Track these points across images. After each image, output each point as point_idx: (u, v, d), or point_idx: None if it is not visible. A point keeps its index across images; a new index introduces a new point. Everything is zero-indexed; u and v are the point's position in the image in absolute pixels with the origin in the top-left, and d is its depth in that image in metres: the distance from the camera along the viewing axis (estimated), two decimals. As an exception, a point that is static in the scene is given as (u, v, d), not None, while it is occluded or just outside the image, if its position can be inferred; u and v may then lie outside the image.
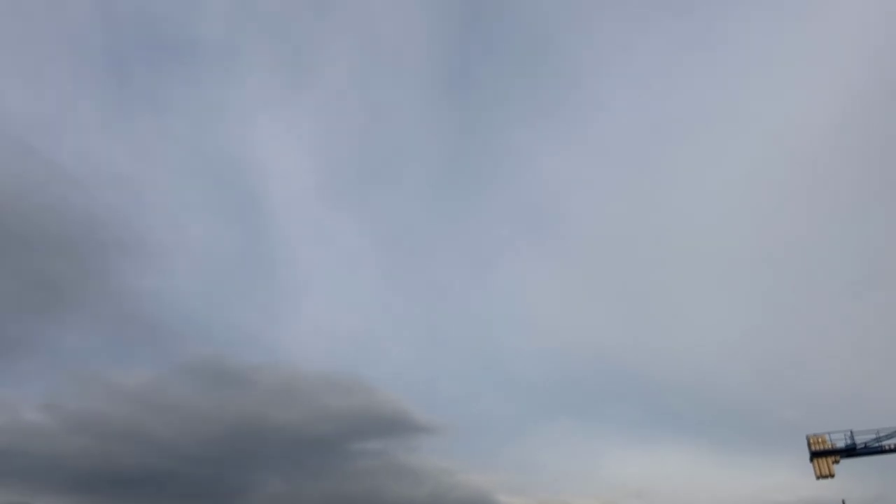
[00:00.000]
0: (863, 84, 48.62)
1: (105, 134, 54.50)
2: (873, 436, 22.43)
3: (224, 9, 59.37)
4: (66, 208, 47.26)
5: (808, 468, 22.68)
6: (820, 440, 22.74)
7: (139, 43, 57.30)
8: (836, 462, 22.55)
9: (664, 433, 46.00)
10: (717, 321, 48.05)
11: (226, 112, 60.03)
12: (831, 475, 22.46)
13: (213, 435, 43.11)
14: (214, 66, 59.81)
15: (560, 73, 57.89)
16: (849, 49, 50.01)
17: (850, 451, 22.59)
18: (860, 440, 22.51)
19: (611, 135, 57.48)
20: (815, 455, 22.59)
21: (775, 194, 52.12)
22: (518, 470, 46.94)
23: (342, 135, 58.60)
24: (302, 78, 60.51)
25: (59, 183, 48.10)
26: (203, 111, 59.38)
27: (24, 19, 54.78)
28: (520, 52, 60.28)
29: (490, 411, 48.57)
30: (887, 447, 22.45)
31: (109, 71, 56.71)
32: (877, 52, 48.44)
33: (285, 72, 60.21)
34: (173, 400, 43.97)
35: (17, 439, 39.28)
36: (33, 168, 47.95)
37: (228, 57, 59.10)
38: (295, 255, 55.23)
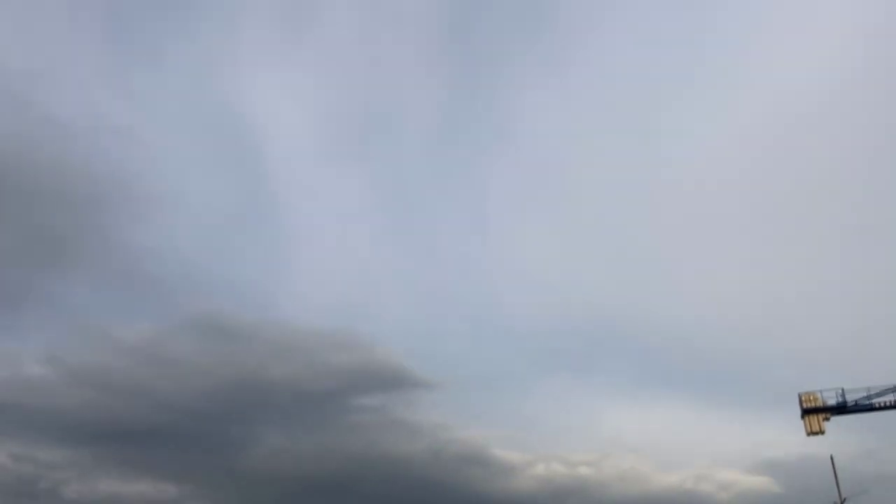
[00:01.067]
0: (867, 45, 48.12)
1: (104, 87, 54.47)
2: (864, 394, 22.84)
3: (223, -40, 58.48)
4: (65, 162, 47.21)
5: (799, 425, 23.11)
6: (812, 398, 23.08)
7: None
8: (827, 419, 22.94)
9: (659, 389, 46.90)
10: (712, 278, 48.60)
11: (224, 65, 59.77)
12: (822, 432, 22.87)
13: (213, 389, 43.81)
14: (213, 18, 59.35)
15: (561, 26, 57.16)
16: (855, 10, 49.28)
17: (841, 409, 22.97)
18: (851, 398, 22.90)
19: (612, 90, 57.64)
20: (807, 412, 22.97)
21: (773, 152, 52.05)
22: (515, 425, 48.08)
23: (342, 88, 58.33)
24: (301, 31, 60.02)
25: (58, 137, 48.04)
26: (202, 64, 59.03)
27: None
28: (522, 5, 59.47)
29: (488, 367, 49.30)
30: (878, 405, 22.90)
31: (108, 24, 56.04)
32: (886, 16, 47.62)
33: (284, 24, 59.50)
34: (174, 355, 44.71)
35: (19, 392, 39.99)
36: (32, 122, 47.92)
37: (227, 9, 58.51)
38: (294, 211, 55.54)
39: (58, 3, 55.66)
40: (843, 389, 22.90)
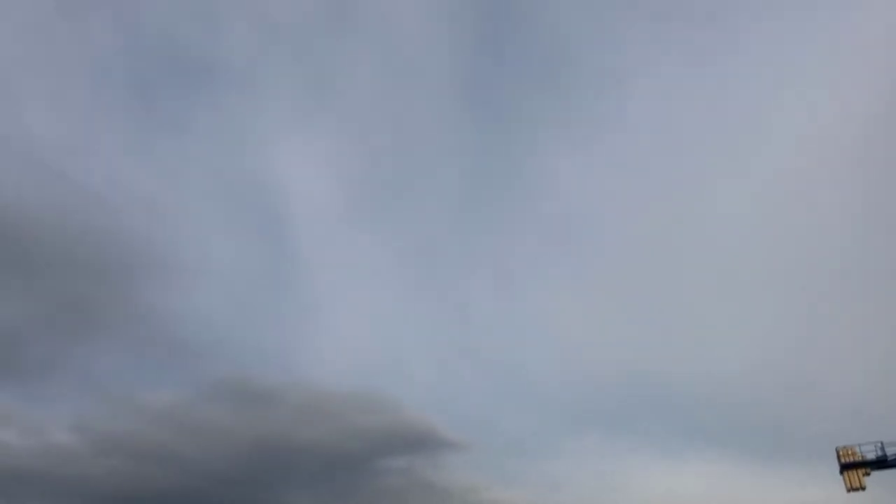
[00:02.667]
0: (892, 93, 47.76)
1: (130, 158, 55.48)
2: (905, 447, 22.03)
3: (245, 31, 60.12)
4: (94, 231, 48.14)
5: (838, 481, 22.33)
6: (850, 452, 22.30)
7: (162, 67, 58.56)
8: (867, 475, 22.10)
9: (693, 448, 45.28)
10: (746, 334, 47.37)
11: (248, 133, 60.66)
12: (862, 488, 22.04)
13: (240, 454, 43.60)
14: (236, 87, 60.68)
15: (581, 84, 57.79)
16: (877, 58, 49.23)
17: (881, 463, 22.14)
18: (891, 452, 22.07)
19: (634, 146, 57.12)
20: (845, 467, 22.18)
21: (803, 205, 51.52)
22: (545, 486, 46.20)
23: (364, 152, 58.93)
24: (323, 97, 61.10)
25: (88, 206, 49.20)
26: (226, 133, 60.19)
27: (48, 44, 55.80)
28: (541, 64, 60.36)
29: (516, 426, 48.02)
30: (919, 458, 22.02)
31: (133, 95, 57.74)
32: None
33: (306, 91, 60.86)
34: (200, 420, 44.50)
35: (47, 461, 39.72)
36: (63, 193, 48.98)
37: (250, 78, 59.94)
38: (318, 274, 55.41)
39: (85, 74, 57.36)
40: (882, 443, 22.13)
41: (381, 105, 60.02)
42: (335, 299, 54.74)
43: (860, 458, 22.05)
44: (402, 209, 58.68)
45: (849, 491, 22.10)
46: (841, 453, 22.27)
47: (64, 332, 46.29)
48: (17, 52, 54.17)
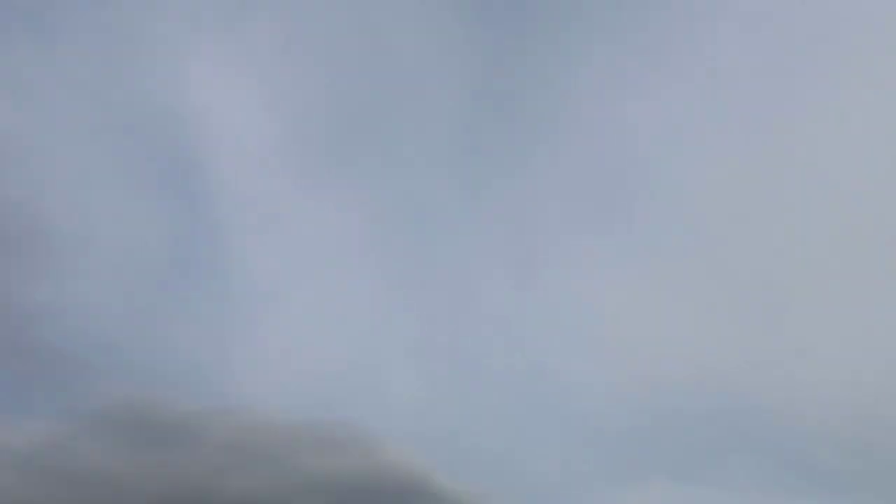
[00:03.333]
0: None
1: None
2: None
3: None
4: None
5: None
6: None
7: None
8: None
9: (810, 498, 34.47)
10: (882, 338, 35.97)
11: (145, 40, 46.71)
12: None
13: None
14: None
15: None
16: None
17: None
18: None
19: (722, 67, 44.13)
20: None
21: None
22: None
23: (319, 73, 45.19)
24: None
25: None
26: (112, 40, 46.28)
27: None
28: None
29: (545, 472, 36.75)
30: None
31: None
32: None
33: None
34: (81, 464, 34.57)
35: None
36: None
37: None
38: (253, 251, 42.30)
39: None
40: None
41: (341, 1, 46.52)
42: (278, 289, 42.01)
43: None
44: (376, 156, 44.67)
45: None
46: None
47: None
48: None
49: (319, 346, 39.25)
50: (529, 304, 41.08)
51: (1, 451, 35.68)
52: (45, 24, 41.45)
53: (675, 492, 36.07)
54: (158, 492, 35.69)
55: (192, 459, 36.52)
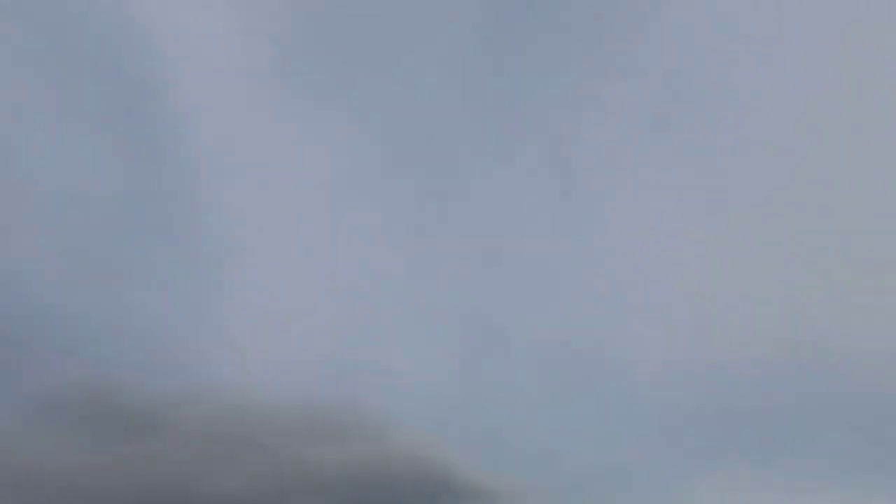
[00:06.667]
0: None
1: None
2: None
3: None
4: None
5: None
6: None
7: None
8: None
9: None
10: None
11: None
12: None
13: None
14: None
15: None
16: None
17: None
18: None
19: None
20: None
21: None
22: None
23: None
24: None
25: None
26: None
27: None
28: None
29: (592, 459, 31.37)
30: None
31: None
32: None
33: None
34: (31, 460, 29.44)
35: None
36: None
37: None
38: (226, 200, 35.67)
39: None
40: None
41: None
42: (259, 241, 35.54)
43: None
44: (370, 75, 37.77)
45: None
46: None
47: None
48: None
49: (311, 312, 33.01)
50: (567, 256, 34.39)
51: (-64, 447, 30.80)
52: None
53: (752, 476, 31.01)
54: (124, 491, 30.73)
55: (165, 453, 31.60)
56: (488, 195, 35.58)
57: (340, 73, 35.79)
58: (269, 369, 32.15)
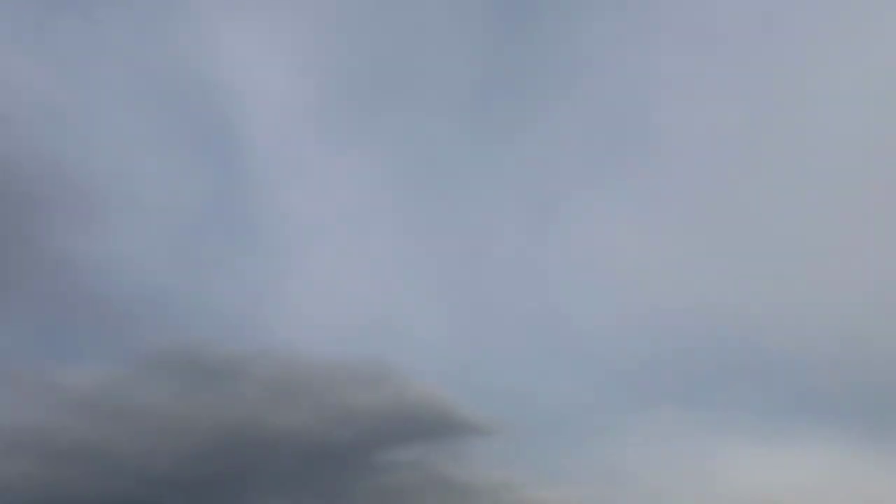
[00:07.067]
0: None
1: (19, 48, 42.92)
2: None
3: None
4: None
5: None
6: None
7: None
8: None
9: (804, 424, 36.35)
10: (880, 268, 36.76)
11: (181, 9, 47.24)
12: None
13: (192, 449, 36.06)
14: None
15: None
16: None
17: None
18: None
19: (721, 15, 43.90)
20: None
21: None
22: (601, 481, 38.07)
23: (343, 38, 45.55)
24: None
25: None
26: (151, 9, 46.81)
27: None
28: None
29: (560, 403, 37.84)
30: None
31: None
32: None
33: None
34: (137, 405, 36.35)
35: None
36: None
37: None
38: (286, 205, 42.77)
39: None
40: None
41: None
42: (312, 237, 42.29)
43: None
44: (394, 112, 45.22)
45: None
46: None
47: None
48: None
49: (349, 291, 41.01)
50: (544, 247, 42.39)
51: (64, 395, 36.68)
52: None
53: (677, 418, 37.33)
54: (209, 428, 37.41)
55: (238, 397, 37.99)
56: (482, 205, 43.90)
57: (369, 111, 44.16)
58: (319, 334, 39.73)
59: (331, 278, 41.46)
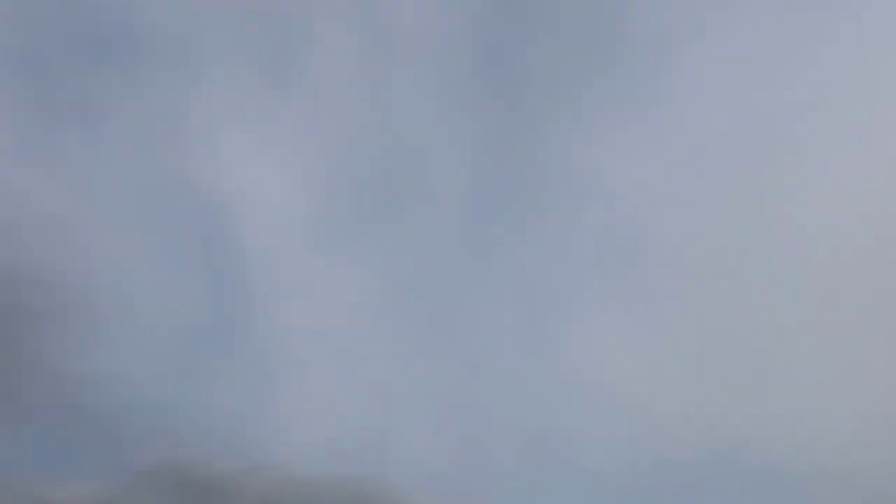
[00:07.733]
0: None
1: (23, 161, 42.66)
2: None
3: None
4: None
5: None
6: None
7: (63, 40, 44.99)
8: None
9: None
10: (882, 384, 35.78)
11: (181, 126, 46.80)
12: None
13: None
14: (165, 65, 46.69)
15: (633, 52, 44.48)
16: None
17: None
18: None
19: (706, 132, 43.92)
20: None
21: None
22: None
23: (339, 150, 45.31)
24: (284, 74, 47.36)
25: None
26: (151, 127, 46.10)
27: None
28: (577, 29, 47.00)
29: None
30: None
31: (27, 78, 44.47)
32: None
33: (261, 66, 46.82)
34: None
35: None
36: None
37: (183, 52, 46.09)
38: (282, 319, 42.33)
39: None
40: None
41: (360, 82, 46.14)
42: (306, 352, 41.58)
43: None
44: (391, 225, 45.05)
45: None
46: None
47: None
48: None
49: (344, 407, 39.95)
50: (539, 364, 41.60)
51: (51, 509, 35.39)
52: (90, 110, 42.67)
53: None
54: None
55: None
56: (477, 320, 43.25)
57: (366, 226, 43.84)
58: (312, 451, 38.75)
59: (326, 393, 40.42)
